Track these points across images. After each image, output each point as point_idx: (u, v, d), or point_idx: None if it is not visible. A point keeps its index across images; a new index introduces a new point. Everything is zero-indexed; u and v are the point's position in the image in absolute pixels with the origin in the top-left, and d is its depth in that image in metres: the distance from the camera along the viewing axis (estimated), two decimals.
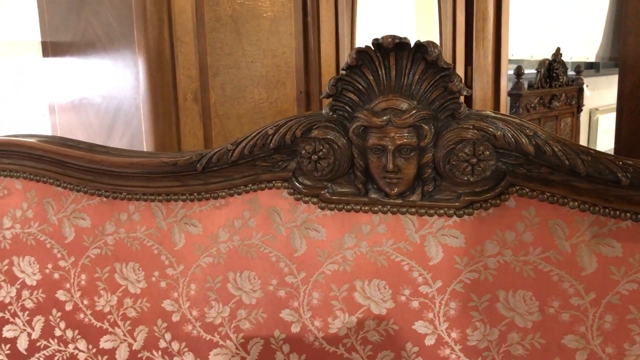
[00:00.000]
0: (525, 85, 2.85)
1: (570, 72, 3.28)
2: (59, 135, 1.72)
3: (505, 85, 2.67)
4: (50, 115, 1.69)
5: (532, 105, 2.95)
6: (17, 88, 1.67)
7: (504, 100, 2.66)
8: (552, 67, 3.10)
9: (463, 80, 0.68)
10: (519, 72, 2.81)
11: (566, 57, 3.39)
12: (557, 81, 3.13)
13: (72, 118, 1.63)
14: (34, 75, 1.68)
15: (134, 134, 1.43)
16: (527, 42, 3.75)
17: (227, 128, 1.49)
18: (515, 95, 2.85)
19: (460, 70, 2.31)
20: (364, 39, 1.86)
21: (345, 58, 1.71)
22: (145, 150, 1.40)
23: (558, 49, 3.11)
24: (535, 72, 3.01)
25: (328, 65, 1.72)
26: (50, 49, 1.65)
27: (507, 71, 2.67)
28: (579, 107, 3.38)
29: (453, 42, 2.26)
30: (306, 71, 1.68)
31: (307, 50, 1.67)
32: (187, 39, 1.37)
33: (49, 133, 1.73)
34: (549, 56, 3.09)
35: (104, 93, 1.48)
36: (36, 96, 1.69)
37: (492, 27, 2.51)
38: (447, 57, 2.23)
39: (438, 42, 2.20)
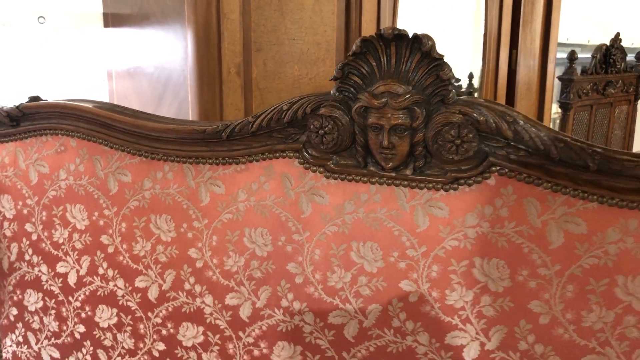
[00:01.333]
0: (579, 70, 2.81)
1: (631, 58, 3.20)
2: (115, 100, 1.86)
3: (552, 70, 2.65)
4: (109, 81, 1.84)
5: (585, 91, 2.92)
6: (79, 55, 1.81)
7: (550, 84, 2.65)
8: (610, 53, 3.04)
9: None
10: (571, 57, 2.77)
11: (627, 43, 3.31)
12: (613, 67, 3.07)
13: (127, 85, 1.77)
14: (95, 43, 1.82)
15: (181, 103, 1.55)
16: (584, 27, 3.67)
17: (267, 101, 1.59)
18: (566, 80, 2.82)
19: (504, 53, 2.33)
20: (406, 20, 1.91)
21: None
22: (190, 118, 1.52)
23: (617, 34, 3.04)
24: (591, 57, 2.96)
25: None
26: (111, 20, 1.78)
27: (556, 55, 2.65)
28: (637, 95, 3.31)
29: (499, 24, 2.27)
30: (346, 49, 1.76)
31: (348, 29, 1.74)
32: (233, 16, 1.46)
33: (106, 98, 1.88)
34: (608, 41, 3.03)
35: (156, 63, 1.61)
36: (96, 63, 1.84)
37: (542, 10, 2.50)
38: (491, 39, 2.25)
39: (483, 24, 2.23)
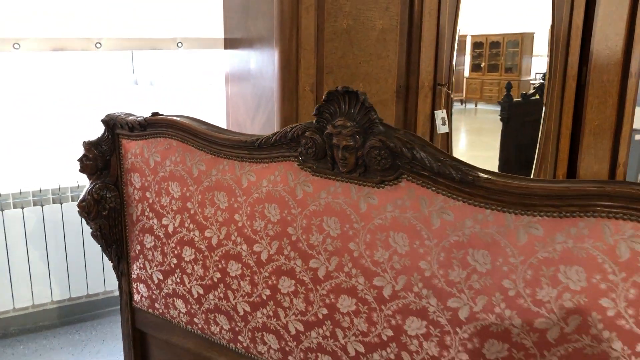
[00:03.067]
0: None
1: None
2: (229, 102, 2.42)
3: (635, 84, 2.77)
4: (225, 86, 2.40)
5: None
6: (207, 70, 2.40)
7: (632, 99, 2.78)
8: None
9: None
10: None
11: None
12: None
13: (236, 91, 2.32)
14: (218, 61, 2.40)
15: (269, 112, 2.06)
16: None
17: None
18: None
19: (574, 60, 2.49)
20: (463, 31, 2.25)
21: (443, 59, 2.15)
22: (275, 125, 2.02)
23: None
24: None
25: (427, 65, 2.16)
26: (229, 43, 2.34)
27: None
28: None
29: (567, 39, 2.47)
30: (407, 70, 2.15)
31: (409, 53, 2.13)
32: (308, 47, 1.93)
33: (224, 100, 2.45)
34: None
35: (255, 79, 2.13)
36: (218, 76, 2.41)
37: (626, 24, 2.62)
38: (560, 52, 2.46)
39: (549, 39, 2.44)
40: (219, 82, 2.38)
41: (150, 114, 1.46)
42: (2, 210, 2.41)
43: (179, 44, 2.35)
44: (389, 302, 1.12)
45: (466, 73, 2.70)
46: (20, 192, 2.43)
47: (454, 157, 1.04)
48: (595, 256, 0.91)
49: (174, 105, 2.74)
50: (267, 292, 1.30)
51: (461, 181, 1.01)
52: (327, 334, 1.23)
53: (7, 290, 2.51)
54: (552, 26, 2.45)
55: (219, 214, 1.35)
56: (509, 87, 2.88)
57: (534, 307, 0.97)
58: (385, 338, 1.14)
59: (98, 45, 2.22)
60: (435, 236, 1.05)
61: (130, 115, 1.50)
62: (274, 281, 1.28)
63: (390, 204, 1.10)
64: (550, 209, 0.94)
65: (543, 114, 2.51)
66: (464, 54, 2.66)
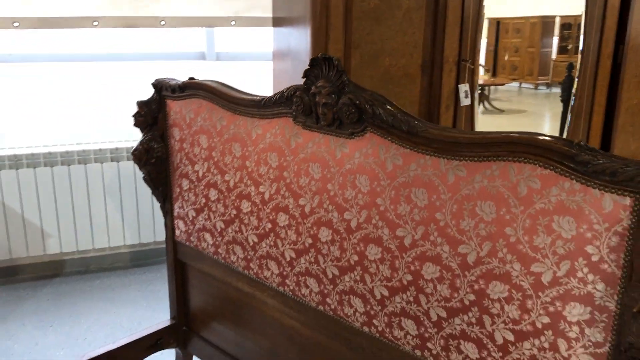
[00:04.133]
0: None
1: None
2: (274, 74, 2.71)
3: None
4: (273, 61, 2.68)
5: None
6: (257, 46, 2.70)
7: None
8: None
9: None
10: None
11: None
12: None
13: (281, 66, 2.59)
14: (267, 37, 2.69)
15: None
16: None
17: (361, 83, 2.26)
18: None
19: (609, 39, 2.56)
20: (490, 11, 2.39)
21: (467, 36, 2.32)
22: None
23: None
24: None
25: (452, 42, 2.33)
26: (276, 21, 2.61)
27: None
28: None
29: (602, 19, 2.53)
30: (433, 46, 2.33)
31: (435, 30, 2.32)
32: (337, 25, 2.17)
33: (271, 73, 2.73)
34: None
35: (294, 53, 2.39)
36: (267, 50, 2.70)
37: None
38: (594, 33, 2.55)
39: (583, 18, 2.52)
40: (268, 54, 2.68)
41: (188, 79, 1.77)
42: (85, 164, 2.85)
43: (233, 22, 2.66)
44: (354, 232, 1.37)
45: (553, 55, 2.82)
46: (100, 149, 2.85)
47: (405, 113, 1.26)
48: (503, 193, 1.11)
49: (234, 77, 3.06)
50: (269, 225, 1.58)
51: (408, 132, 1.24)
52: (312, 259, 1.49)
53: (88, 234, 2.95)
54: (586, 6, 2.53)
55: (235, 161, 1.64)
56: (570, 67, 2.96)
57: (458, 235, 1.18)
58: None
59: (162, 22, 2.58)
60: (388, 177, 1.28)
61: (173, 79, 1.82)
62: (274, 215, 1.56)
63: (358, 152, 1.34)
64: (472, 155, 1.15)
65: (574, 90, 2.60)
66: (552, 36, 2.78)
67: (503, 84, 2.92)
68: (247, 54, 3.24)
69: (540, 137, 1.06)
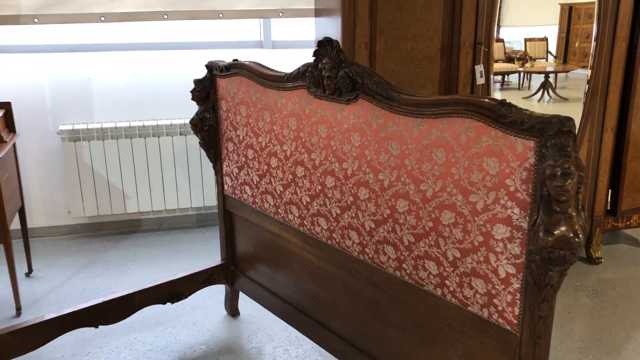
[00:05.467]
0: None
1: None
2: None
3: None
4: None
5: None
6: (302, 35, 3.08)
7: None
8: None
9: None
10: None
11: None
12: None
13: None
14: (309, 27, 3.07)
15: None
16: None
17: (385, 65, 2.61)
18: None
19: (624, 22, 2.74)
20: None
21: (483, 21, 2.61)
22: None
23: None
24: None
25: (468, 27, 2.62)
26: (316, 12, 2.99)
27: None
28: None
29: (617, 2, 2.72)
30: (451, 31, 2.64)
31: (452, 17, 2.62)
32: (363, 14, 2.52)
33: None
34: None
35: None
36: (310, 38, 3.08)
37: None
38: (610, 15, 2.74)
39: (596, 4, 2.73)
40: (310, 42, 3.06)
41: (232, 60, 2.19)
42: (159, 137, 3.35)
43: (280, 14, 3.06)
44: (350, 178, 1.73)
45: None
46: (171, 125, 3.35)
47: (385, 83, 1.61)
48: (450, 141, 1.44)
49: (286, 63, 3.46)
50: (290, 176, 1.97)
51: (387, 97, 1.59)
52: (321, 202, 1.87)
53: (160, 197, 3.46)
54: None
55: (265, 126, 2.04)
56: None
57: (420, 176, 1.53)
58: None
59: (221, 15, 3.01)
60: (373, 133, 1.64)
61: (222, 61, 2.24)
62: (294, 168, 1.95)
63: (352, 114, 1.70)
64: (430, 113, 1.48)
65: (589, 72, 2.81)
66: None
67: (567, 71, 3.11)
68: (300, 42, 3.63)
69: (474, 97, 1.39)
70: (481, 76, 2.65)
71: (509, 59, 3.01)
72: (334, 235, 1.87)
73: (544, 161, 1.25)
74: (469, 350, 1.55)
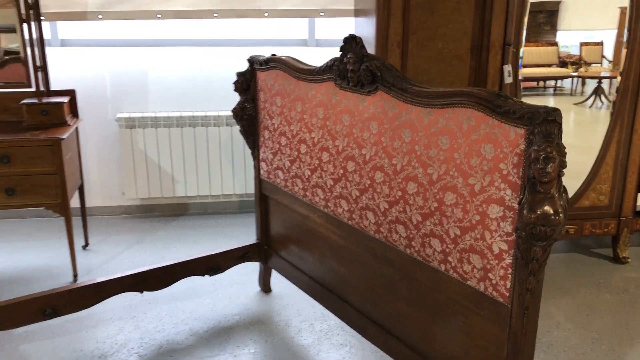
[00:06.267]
0: None
1: None
2: None
3: None
4: None
5: None
6: (341, 32, 3.26)
7: None
8: None
9: None
10: None
11: None
12: None
13: None
14: (349, 26, 3.25)
15: None
16: None
17: (417, 63, 2.76)
18: None
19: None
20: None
21: (512, 23, 2.73)
22: None
23: None
24: None
25: (497, 29, 2.74)
26: (356, 12, 3.17)
27: None
28: None
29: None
30: (481, 32, 2.77)
31: (483, 19, 2.75)
32: (396, 15, 2.68)
33: None
34: None
35: (365, 37, 2.93)
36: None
37: None
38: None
39: (628, 7, 2.80)
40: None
41: (271, 55, 2.40)
42: (206, 127, 3.60)
43: (321, 14, 3.25)
44: (368, 162, 1.91)
45: None
46: (218, 116, 3.59)
47: (401, 76, 1.78)
48: (453, 129, 1.60)
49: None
50: (317, 162, 2.16)
51: (402, 89, 1.75)
52: (343, 185, 2.05)
53: (206, 183, 3.72)
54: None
55: (297, 115, 2.24)
56: None
57: (427, 161, 1.69)
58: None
59: (266, 14, 3.23)
60: (388, 122, 1.81)
61: (262, 56, 2.46)
62: (320, 154, 2.13)
63: (372, 105, 1.87)
64: (437, 104, 1.64)
65: (620, 73, 2.88)
66: None
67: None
68: (341, 41, 3.81)
69: (476, 89, 1.54)
70: (509, 75, 2.76)
71: (563, 63, 3.03)
72: (353, 215, 2.04)
73: (531, 147, 1.39)
74: (468, 322, 1.70)
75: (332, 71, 2.03)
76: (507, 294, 1.54)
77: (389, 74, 1.80)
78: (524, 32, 2.75)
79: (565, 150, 1.37)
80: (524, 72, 2.85)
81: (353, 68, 1.90)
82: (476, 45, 2.78)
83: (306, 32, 3.78)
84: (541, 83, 3.08)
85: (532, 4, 2.79)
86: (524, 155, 1.43)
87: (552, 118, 1.36)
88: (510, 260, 1.52)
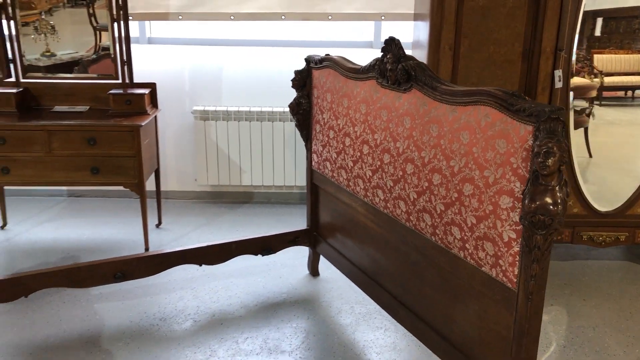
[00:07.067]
0: None
1: None
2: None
3: None
4: (412, 49, 3.37)
5: None
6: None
7: None
8: None
9: None
10: None
11: None
12: None
13: (416, 51, 3.28)
14: (409, 28, 3.40)
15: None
16: None
17: (468, 65, 2.87)
18: None
19: None
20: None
21: (565, 30, 2.79)
22: None
23: None
24: None
25: (550, 34, 2.81)
26: (415, 16, 3.31)
27: None
28: None
29: None
30: (533, 37, 2.84)
31: (535, 24, 2.82)
32: (449, 19, 2.81)
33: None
34: None
35: (421, 40, 3.07)
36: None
37: None
38: None
39: None
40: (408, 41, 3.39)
41: (325, 55, 2.60)
42: (272, 122, 3.86)
43: (382, 17, 3.41)
44: (401, 155, 2.06)
45: None
46: (284, 112, 3.84)
47: (433, 76, 1.93)
48: (473, 125, 1.73)
49: None
50: (358, 153, 2.34)
51: (432, 87, 1.91)
52: (380, 176, 2.22)
53: (270, 174, 3.98)
54: None
55: (343, 110, 2.43)
56: None
57: (450, 154, 1.83)
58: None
59: (330, 17, 3.44)
60: (419, 117, 1.96)
61: (317, 55, 2.67)
62: (361, 147, 2.31)
63: (406, 101, 2.04)
64: (461, 102, 1.78)
65: None
66: None
67: None
68: (408, 44, 3.95)
69: (493, 89, 1.67)
70: (559, 80, 2.82)
71: None
72: (388, 204, 2.21)
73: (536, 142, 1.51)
74: (482, 306, 1.83)
75: (374, 70, 2.20)
76: (515, 280, 1.66)
77: (422, 74, 1.96)
78: (576, 37, 2.79)
79: (567, 147, 1.48)
80: (609, 80, 2.86)
81: (391, 67, 2.07)
82: (528, 50, 2.85)
83: (372, 34, 3.96)
84: (629, 93, 3.05)
85: (625, 8, 2.79)
86: (531, 150, 1.55)
87: (556, 116, 1.48)
88: (518, 249, 1.63)
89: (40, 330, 2.50)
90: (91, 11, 3.27)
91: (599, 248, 3.21)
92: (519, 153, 1.58)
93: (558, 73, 2.82)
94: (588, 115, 3.02)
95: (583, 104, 2.97)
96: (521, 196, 1.59)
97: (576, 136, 2.97)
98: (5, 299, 2.36)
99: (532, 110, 1.53)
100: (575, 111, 2.95)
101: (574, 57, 2.82)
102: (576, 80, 2.90)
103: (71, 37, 3.33)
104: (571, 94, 2.89)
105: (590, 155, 3.05)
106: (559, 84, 2.83)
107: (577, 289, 2.95)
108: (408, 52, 2.11)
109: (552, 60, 2.83)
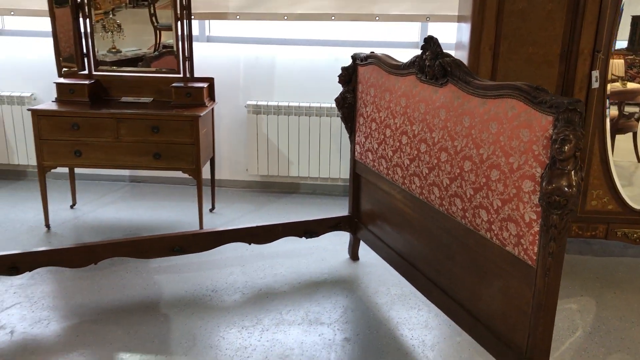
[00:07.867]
0: None
1: None
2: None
3: None
4: (455, 50, 3.53)
5: None
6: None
7: None
8: None
9: None
10: None
11: None
12: None
13: (458, 52, 3.43)
14: (453, 30, 3.56)
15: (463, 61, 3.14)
16: None
17: (508, 65, 3.01)
18: None
19: None
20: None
21: (604, 32, 2.91)
22: None
23: None
24: None
25: (587, 37, 2.92)
26: (458, 18, 3.46)
27: None
28: None
29: None
30: (571, 39, 2.96)
31: (573, 26, 2.94)
32: (490, 21, 2.96)
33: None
34: None
35: (463, 41, 3.23)
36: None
37: None
38: None
39: None
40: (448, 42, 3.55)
41: (369, 52, 2.80)
42: (320, 117, 4.08)
43: (427, 19, 3.58)
44: (436, 144, 2.24)
45: None
46: (331, 107, 4.06)
47: (466, 70, 2.10)
48: (500, 116, 1.90)
49: None
50: (397, 144, 2.53)
51: (466, 82, 2.08)
52: (417, 164, 2.40)
53: (316, 166, 4.20)
54: None
55: (384, 103, 2.62)
56: None
57: (480, 142, 2.00)
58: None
59: (377, 18, 3.63)
60: (453, 110, 2.14)
61: (363, 53, 2.87)
62: (400, 137, 2.50)
63: (442, 95, 2.22)
64: (490, 95, 1.95)
65: None
66: None
67: None
68: (446, 44, 4.11)
69: (519, 83, 1.84)
70: (596, 81, 2.93)
71: None
72: (423, 191, 2.39)
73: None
74: (505, 283, 1.99)
75: (414, 66, 2.39)
76: (535, 257, 1.82)
77: (457, 69, 2.13)
78: (615, 39, 2.90)
79: (583, 135, 1.64)
80: None
81: (429, 63, 2.25)
82: (565, 51, 2.98)
83: (418, 35, 4.13)
84: None
85: None
86: (551, 139, 1.71)
87: (574, 107, 1.64)
88: (537, 229, 1.80)
89: (106, 295, 2.80)
90: (152, 11, 3.57)
91: (633, 245, 3.29)
92: (540, 141, 1.75)
93: (595, 74, 2.93)
94: (637, 120, 3.11)
95: (634, 109, 3.07)
96: (540, 180, 1.75)
97: (625, 141, 3.07)
98: (78, 264, 2.66)
99: (552, 102, 1.69)
100: (624, 115, 3.05)
101: (622, 62, 2.93)
102: (628, 85, 3.00)
103: (133, 36, 3.64)
104: (608, 89, 2.99)
105: (639, 160, 3.13)
106: (595, 84, 2.94)
107: (609, 282, 3.05)
108: (451, 52, 2.29)
109: (589, 61, 2.94)
